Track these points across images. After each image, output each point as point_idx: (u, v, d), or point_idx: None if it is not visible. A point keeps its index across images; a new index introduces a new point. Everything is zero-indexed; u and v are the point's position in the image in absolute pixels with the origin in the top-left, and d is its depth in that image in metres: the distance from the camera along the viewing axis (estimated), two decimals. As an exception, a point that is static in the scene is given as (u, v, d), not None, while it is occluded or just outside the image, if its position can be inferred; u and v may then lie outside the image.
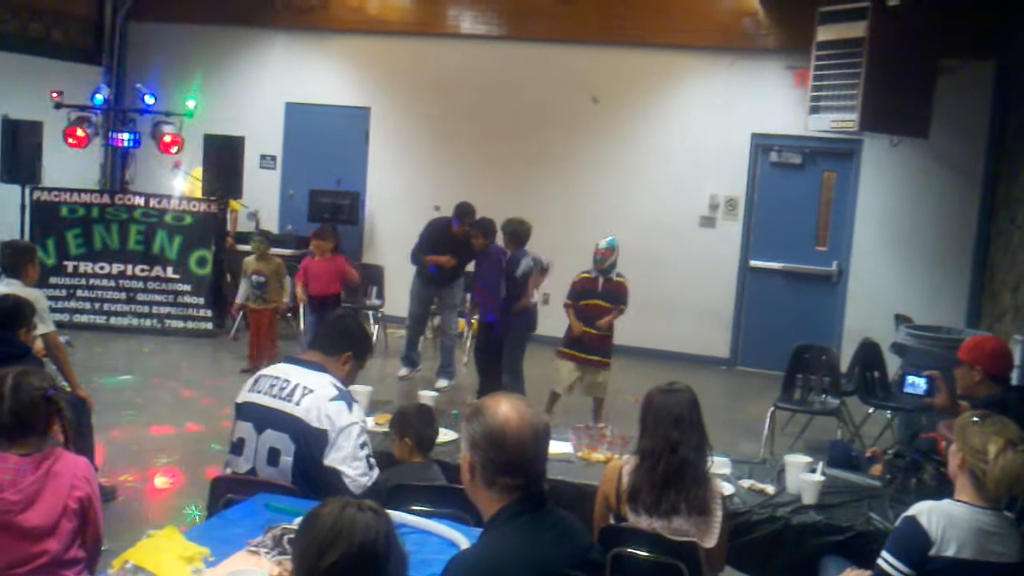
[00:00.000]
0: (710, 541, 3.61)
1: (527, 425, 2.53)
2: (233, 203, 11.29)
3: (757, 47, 10.81)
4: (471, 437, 2.56)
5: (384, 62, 12.06)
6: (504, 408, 2.55)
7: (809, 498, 4.33)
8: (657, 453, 3.69)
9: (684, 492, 3.64)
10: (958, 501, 3.37)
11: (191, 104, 10.92)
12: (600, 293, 7.77)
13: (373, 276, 11.10)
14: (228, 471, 3.92)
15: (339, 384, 3.88)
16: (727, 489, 4.27)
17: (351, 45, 12.16)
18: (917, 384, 5.00)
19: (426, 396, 5.39)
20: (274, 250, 9.83)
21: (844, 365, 8.42)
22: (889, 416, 8.03)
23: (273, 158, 12.36)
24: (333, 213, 10.95)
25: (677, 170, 11.11)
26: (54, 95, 10.52)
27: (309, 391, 3.77)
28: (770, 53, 10.73)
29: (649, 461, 3.70)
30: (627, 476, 3.76)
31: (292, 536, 2.86)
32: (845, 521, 4.19)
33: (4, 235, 9.64)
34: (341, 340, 4.04)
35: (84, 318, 10.54)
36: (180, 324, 10.70)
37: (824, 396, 7.67)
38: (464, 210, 8.97)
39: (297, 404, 3.75)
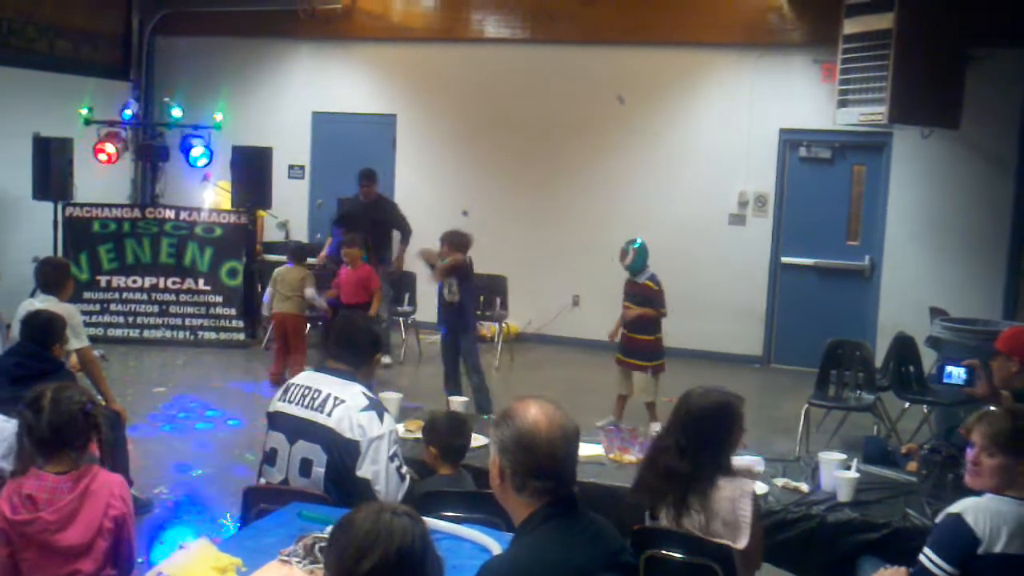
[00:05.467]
0: (741, 542, 3.58)
1: (557, 428, 2.51)
2: (260, 212, 11.35)
3: (783, 42, 10.72)
4: (501, 442, 2.54)
5: (409, 69, 12.08)
6: (533, 411, 2.53)
7: (844, 496, 4.28)
8: (659, 451, 3.68)
9: (684, 495, 3.60)
10: (1001, 496, 3.32)
11: (219, 117, 11.00)
12: (627, 294, 7.85)
13: (404, 283, 11.11)
14: (261, 481, 3.95)
15: (369, 393, 3.89)
16: (760, 488, 4.22)
17: (375, 53, 12.20)
18: (956, 374, 4.94)
19: (457, 402, 5.39)
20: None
21: (879, 360, 8.33)
22: (926, 411, 7.93)
23: (301, 168, 12.42)
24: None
25: (705, 168, 11.05)
26: (83, 112, 10.62)
27: (340, 401, 3.78)
28: (796, 48, 10.65)
29: (653, 457, 3.70)
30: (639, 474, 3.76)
31: (324, 544, 2.86)
32: (881, 518, 4.13)
33: (38, 252, 9.78)
34: (366, 343, 4.05)
35: (118, 332, 10.64)
36: (213, 335, 10.78)
37: (859, 392, 7.60)
38: (365, 173, 10.02)
39: (328, 415, 3.76)
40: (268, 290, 9.45)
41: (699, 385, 3.82)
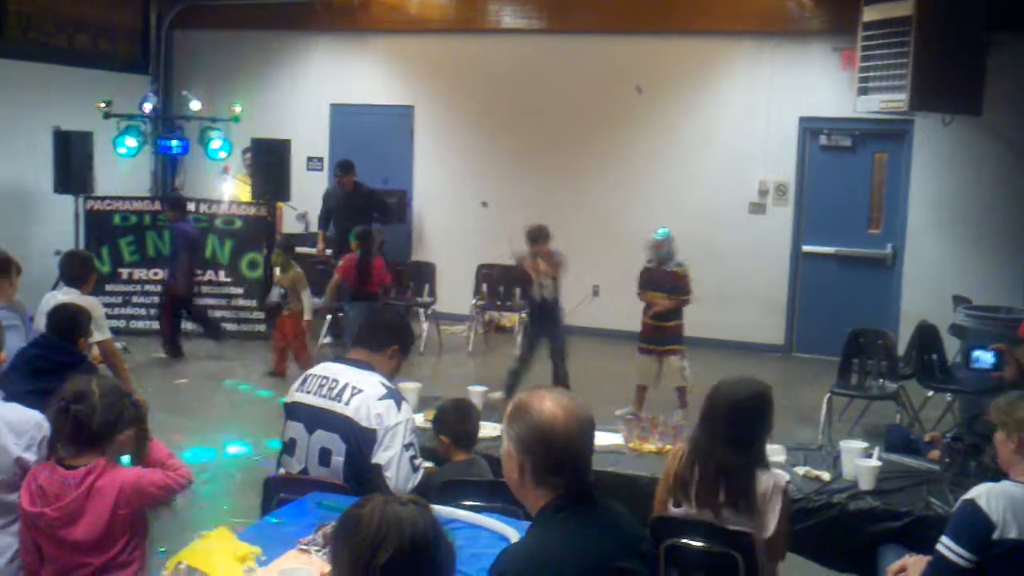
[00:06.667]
0: (766, 532, 3.56)
1: (574, 419, 2.48)
2: (279, 204, 11.38)
3: (802, 30, 10.65)
4: (518, 437, 2.49)
5: (426, 60, 12.08)
6: (549, 404, 2.49)
7: (866, 484, 4.25)
8: (699, 445, 3.64)
9: (725, 488, 3.57)
10: (1017, 481, 3.29)
11: (237, 109, 11.03)
12: (659, 285, 7.81)
13: (424, 273, 11.12)
14: (281, 471, 3.95)
15: (387, 382, 3.88)
16: (783, 478, 4.20)
17: (392, 44, 12.19)
18: (984, 359, 4.90)
19: (475, 392, 5.37)
20: (327, 252, 9.93)
21: (901, 348, 8.27)
22: (949, 399, 7.87)
23: (320, 160, 12.43)
24: (380, 212, 10.98)
25: (725, 157, 10.99)
26: (102, 105, 10.67)
27: (358, 391, 3.78)
28: (815, 36, 10.57)
29: (693, 453, 3.66)
30: (676, 464, 3.72)
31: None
32: (903, 506, 4.11)
33: (60, 245, 9.85)
34: (385, 335, 4.05)
35: (140, 324, 10.70)
36: (233, 327, 10.81)
37: (881, 381, 7.55)
38: (340, 163, 10.41)
39: (346, 404, 3.76)
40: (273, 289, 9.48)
41: (726, 377, 3.80)
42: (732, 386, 3.70)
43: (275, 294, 9.41)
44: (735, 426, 3.61)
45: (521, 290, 8.56)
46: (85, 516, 3.24)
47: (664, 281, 7.80)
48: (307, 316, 9.17)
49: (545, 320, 8.09)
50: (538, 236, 8.04)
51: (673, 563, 3.58)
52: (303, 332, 9.23)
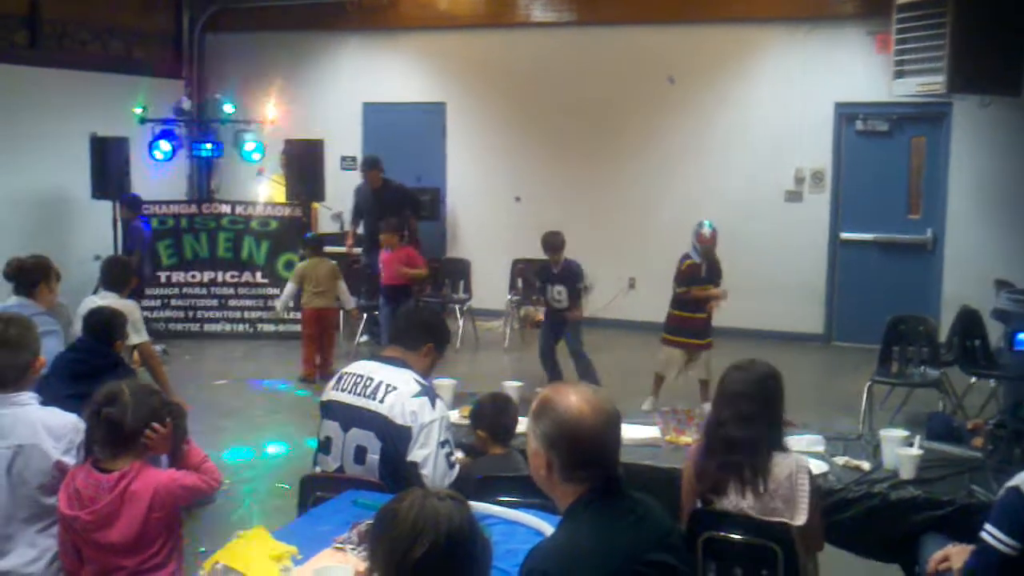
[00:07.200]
0: (799, 518, 3.52)
1: (600, 414, 2.47)
2: (314, 204, 11.44)
3: (835, 14, 10.53)
4: (545, 435, 2.48)
5: (456, 56, 12.08)
6: (574, 399, 2.47)
7: (907, 473, 4.18)
8: (708, 430, 3.64)
9: (741, 472, 3.55)
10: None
11: (270, 111, 11.09)
12: (707, 278, 7.77)
13: (459, 270, 11.14)
14: (317, 469, 3.97)
15: (421, 380, 3.88)
16: (817, 466, 4.15)
17: (423, 41, 12.20)
18: (1029, 340, 4.81)
19: (510, 387, 5.35)
20: (357, 250, 9.95)
21: (943, 335, 8.16)
22: (993, 385, 7.75)
23: (353, 159, 12.47)
24: (412, 208, 11.01)
25: (760, 145, 10.90)
26: (138, 111, 10.77)
27: (392, 388, 3.78)
28: (849, 19, 10.44)
29: (704, 439, 3.66)
30: (696, 456, 3.72)
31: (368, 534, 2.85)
32: (945, 495, 4.03)
33: (99, 250, 9.98)
34: (420, 332, 4.05)
35: (179, 326, 10.81)
36: (271, 327, 10.88)
37: (923, 368, 7.45)
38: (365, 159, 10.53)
39: (381, 402, 3.76)
40: (290, 286, 9.36)
41: (736, 361, 3.80)
42: (738, 368, 3.73)
43: (285, 302, 9.42)
44: (740, 404, 3.62)
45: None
46: (120, 519, 3.26)
47: (716, 275, 7.79)
48: (350, 306, 9.43)
49: (558, 325, 8.40)
50: (550, 245, 8.37)
51: (712, 556, 3.55)
52: (337, 323, 9.27)
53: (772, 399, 3.68)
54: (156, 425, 3.36)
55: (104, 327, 5.21)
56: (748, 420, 3.60)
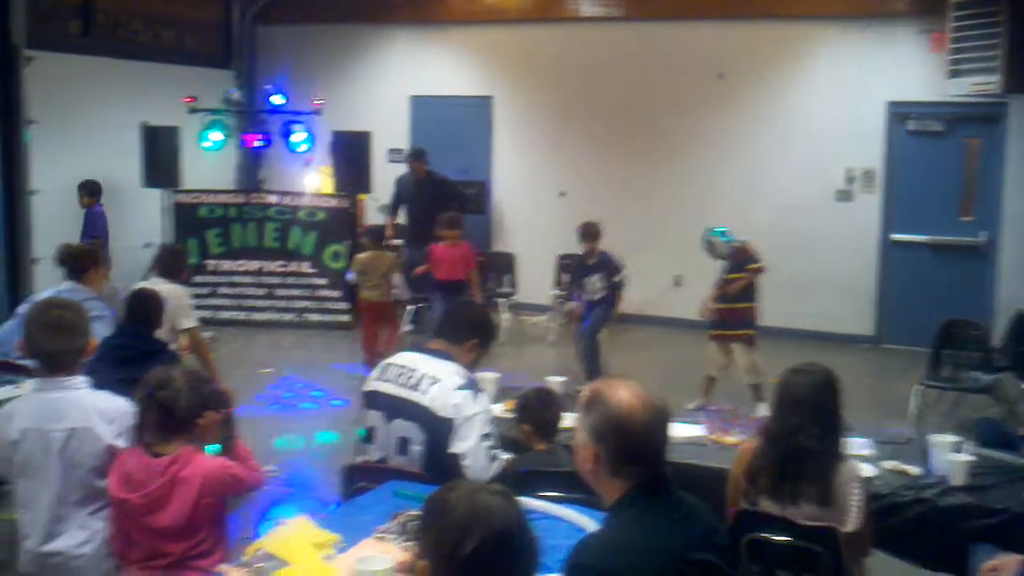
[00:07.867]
0: (849, 525, 3.46)
1: (651, 409, 2.45)
2: (361, 196, 11.49)
3: (888, 12, 10.35)
4: (593, 427, 2.47)
5: (504, 50, 12.07)
6: (625, 394, 2.46)
7: (957, 479, 4.11)
8: (775, 437, 3.57)
9: (803, 480, 3.50)
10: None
11: (318, 102, 11.15)
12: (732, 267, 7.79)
13: (504, 264, 11.14)
14: (360, 459, 3.98)
15: (465, 372, 3.88)
16: (867, 471, 4.09)
17: (471, 35, 12.20)
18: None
19: (554, 382, 5.34)
20: (398, 242, 10.09)
21: (998, 339, 8.01)
22: (1047, 392, 7.59)
23: (400, 152, 12.50)
24: (457, 200, 11.02)
25: (810, 144, 10.76)
26: (188, 100, 10.89)
27: (435, 380, 3.79)
28: (902, 18, 10.26)
29: (768, 445, 3.59)
30: (751, 458, 3.66)
31: (415, 525, 2.85)
32: (997, 503, 3.95)
33: (149, 238, 10.10)
34: (466, 327, 4.05)
35: (226, 314, 10.91)
36: (318, 317, 10.96)
37: (975, 372, 7.32)
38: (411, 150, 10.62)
39: (424, 393, 3.77)
40: (351, 275, 9.31)
41: (793, 364, 3.74)
42: (800, 373, 3.67)
43: (350, 277, 9.46)
44: (805, 412, 3.56)
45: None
46: (171, 503, 3.29)
47: (734, 263, 7.75)
48: (405, 298, 9.50)
49: (594, 312, 8.44)
50: (586, 233, 8.45)
51: (755, 558, 3.51)
52: (394, 314, 9.32)
53: (836, 407, 3.63)
54: (209, 412, 3.39)
55: (141, 307, 5.26)
56: (819, 432, 3.56)
